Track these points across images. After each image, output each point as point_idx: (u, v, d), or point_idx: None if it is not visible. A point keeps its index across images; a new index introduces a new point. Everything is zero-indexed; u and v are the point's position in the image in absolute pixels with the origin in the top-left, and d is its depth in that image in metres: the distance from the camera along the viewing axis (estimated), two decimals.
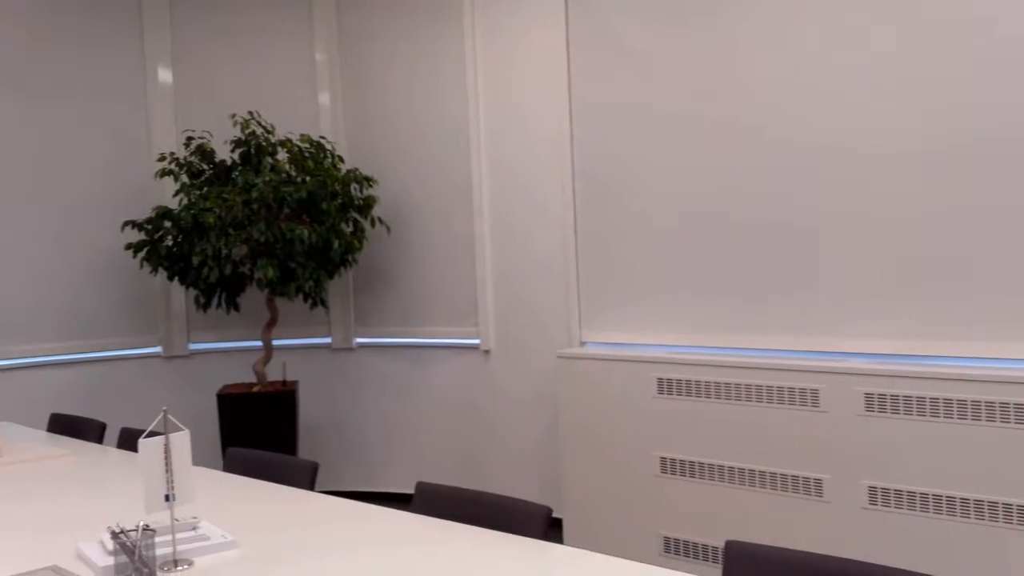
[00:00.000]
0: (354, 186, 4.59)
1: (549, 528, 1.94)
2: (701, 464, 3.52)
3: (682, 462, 3.58)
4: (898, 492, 3.04)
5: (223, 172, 4.48)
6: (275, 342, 4.95)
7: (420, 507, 2.16)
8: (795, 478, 3.28)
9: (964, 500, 2.90)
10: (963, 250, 3.11)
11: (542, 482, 4.36)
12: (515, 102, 4.41)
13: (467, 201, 4.60)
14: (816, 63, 3.42)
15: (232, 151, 4.50)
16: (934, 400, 2.95)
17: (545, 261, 4.29)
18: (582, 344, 4.15)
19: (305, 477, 2.44)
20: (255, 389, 4.41)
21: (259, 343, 4.82)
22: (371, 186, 4.64)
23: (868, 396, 3.09)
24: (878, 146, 3.28)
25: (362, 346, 5.01)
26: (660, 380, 3.61)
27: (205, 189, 4.33)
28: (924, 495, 2.98)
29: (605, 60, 4.04)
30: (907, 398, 3.01)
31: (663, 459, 3.62)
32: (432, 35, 4.72)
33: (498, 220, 4.48)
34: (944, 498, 2.94)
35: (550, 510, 1.96)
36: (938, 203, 3.16)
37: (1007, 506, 2.82)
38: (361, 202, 4.61)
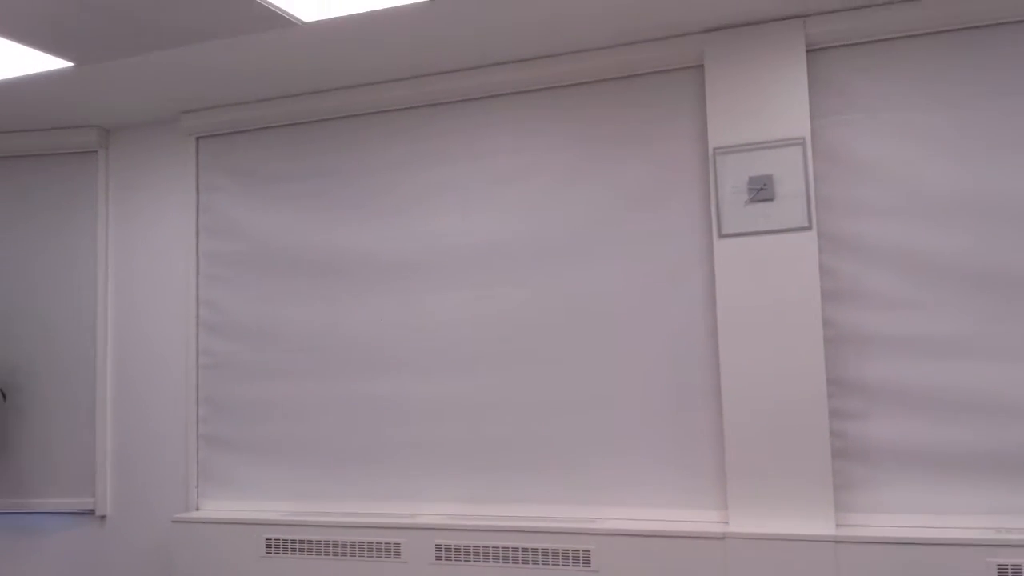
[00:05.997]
0: None
1: None
2: None
3: None
4: None
5: None
6: None
7: None
8: None
9: None
10: (502, 434, 4.07)
11: None
12: (144, 284, 4.76)
13: (90, 371, 4.76)
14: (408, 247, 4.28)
15: None
16: (496, 548, 3.79)
17: (166, 433, 4.60)
18: (197, 510, 4.47)
19: None
20: None
21: None
22: None
23: (439, 547, 3.85)
24: (441, 340, 4.18)
25: None
26: (268, 540, 4.08)
27: None
28: None
29: (232, 246, 4.60)
30: (473, 548, 3.82)
31: None
32: (61, 206, 4.92)
33: (121, 391, 4.71)
34: None
35: None
36: (487, 395, 4.10)
37: None
38: None
